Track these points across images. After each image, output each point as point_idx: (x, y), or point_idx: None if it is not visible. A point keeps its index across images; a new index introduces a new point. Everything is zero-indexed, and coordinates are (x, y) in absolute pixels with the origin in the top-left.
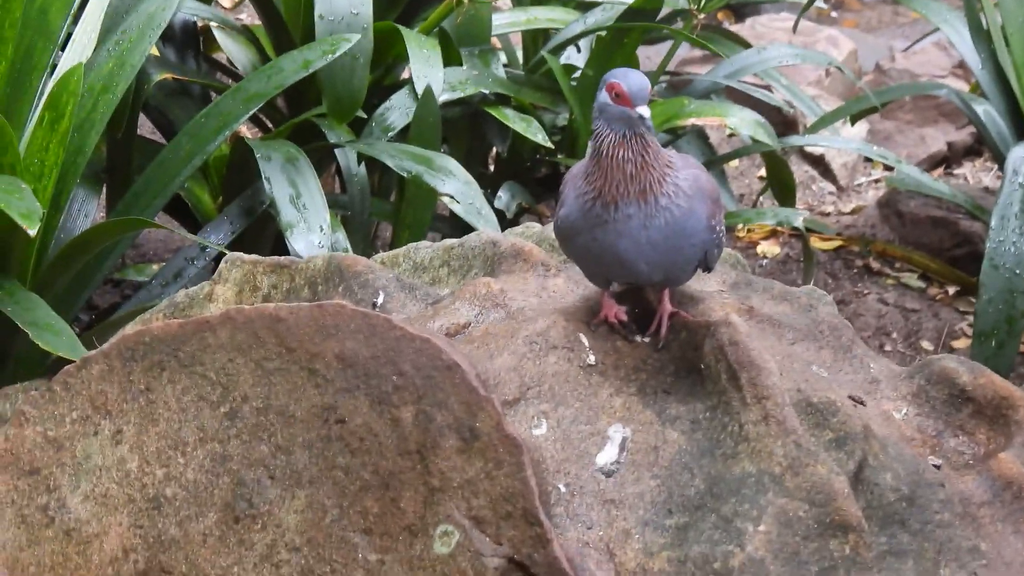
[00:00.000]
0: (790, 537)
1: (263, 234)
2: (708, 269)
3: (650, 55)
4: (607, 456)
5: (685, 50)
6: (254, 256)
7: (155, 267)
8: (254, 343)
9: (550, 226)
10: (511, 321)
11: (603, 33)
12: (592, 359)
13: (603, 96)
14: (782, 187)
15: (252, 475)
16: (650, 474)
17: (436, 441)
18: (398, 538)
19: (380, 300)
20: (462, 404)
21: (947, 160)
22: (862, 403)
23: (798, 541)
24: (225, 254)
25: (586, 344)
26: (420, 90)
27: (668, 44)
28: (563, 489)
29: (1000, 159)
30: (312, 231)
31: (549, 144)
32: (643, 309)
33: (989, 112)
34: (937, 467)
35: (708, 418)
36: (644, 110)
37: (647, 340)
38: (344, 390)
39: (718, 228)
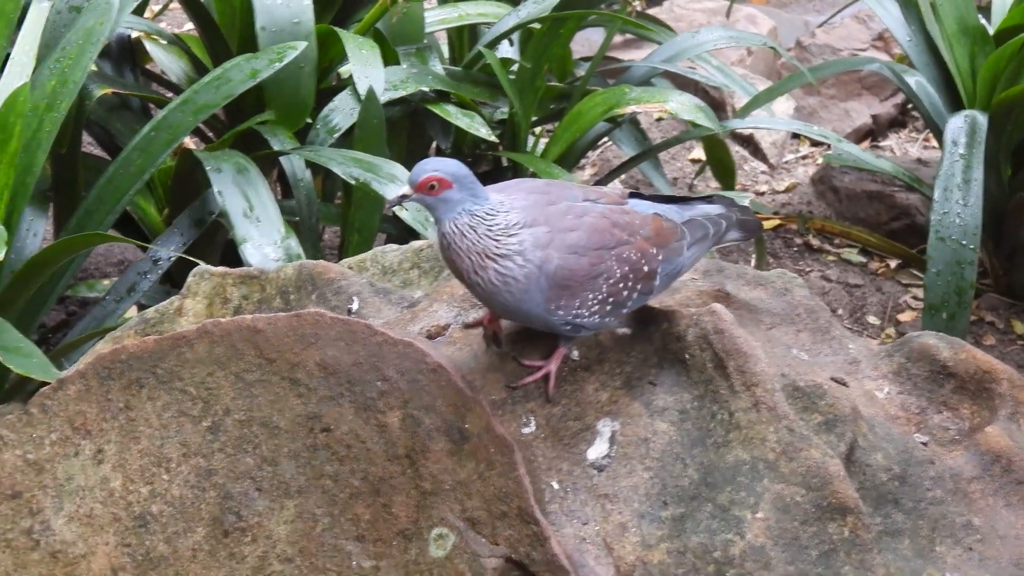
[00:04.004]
0: (789, 523)
1: (212, 243)
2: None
3: (575, 44)
4: (598, 451)
5: (602, 35)
6: (222, 268)
7: (106, 282)
8: (233, 356)
9: None
10: None
11: (537, 25)
12: (576, 354)
13: None
14: (722, 169)
15: (239, 488)
16: (642, 466)
17: (425, 444)
18: (392, 543)
19: (355, 306)
20: (450, 406)
21: (872, 133)
22: (844, 384)
23: (797, 526)
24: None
25: None
26: (362, 91)
27: (590, 31)
28: (556, 486)
29: (934, 130)
30: (267, 243)
31: (493, 138)
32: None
33: (921, 83)
34: (924, 444)
35: (696, 407)
36: (403, 188)
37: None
38: (328, 398)
39: (568, 315)
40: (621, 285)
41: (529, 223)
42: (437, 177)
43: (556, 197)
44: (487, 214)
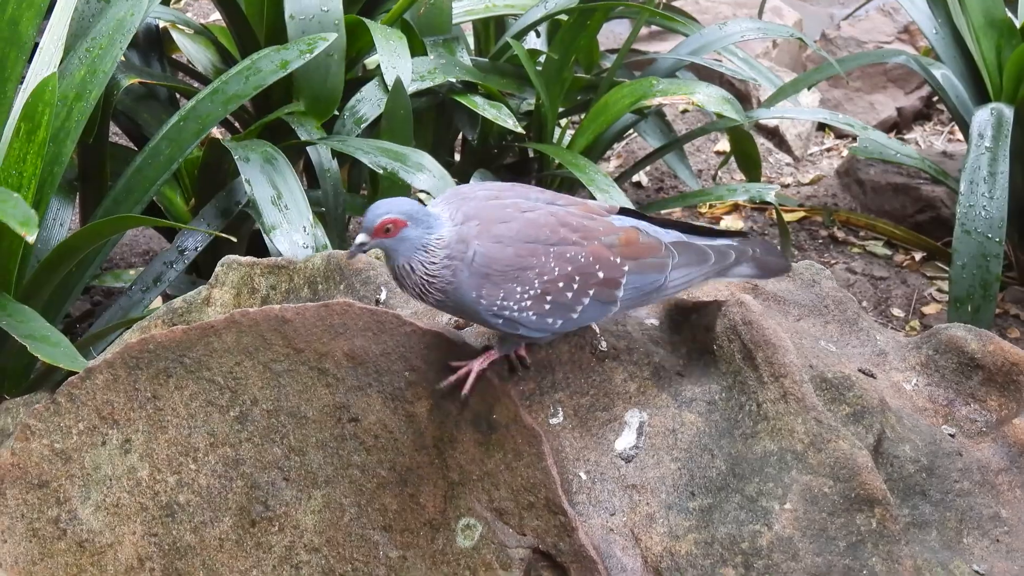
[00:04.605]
0: (817, 514)
1: (238, 233)
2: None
3: (600, 36)
4: (625, 441)
5: (627, 27)
6: (250, 258)
7: (132, 272)
8: (261, 345)
9: None
10: None
11: (564, 16)
12: (604, 345)
13: None
14: (747, 161)
15: (266, 478)
16: (670, 457)
17: (453, 435)
18: (419, 533)
19: (383, 296)
20: (478, 397)
21: (897, 126)
22: (872, 376)
23: (825, 517)
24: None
25: (597, 330)
26: (390, 81)
27: (616, 23)
28: (584, 476)
29: (960, 123)
30: (295, 231)
31: (520, 130)
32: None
33: (947, 76)
34: (952, 436)
35: (724, 398)
36: (360, 237)
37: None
38: (356, 388)
39: (493, 307)
40: (562, 284)
41: (460, 222)
42: (392, 219)
43: (509, 196)
44: (437, 239)
